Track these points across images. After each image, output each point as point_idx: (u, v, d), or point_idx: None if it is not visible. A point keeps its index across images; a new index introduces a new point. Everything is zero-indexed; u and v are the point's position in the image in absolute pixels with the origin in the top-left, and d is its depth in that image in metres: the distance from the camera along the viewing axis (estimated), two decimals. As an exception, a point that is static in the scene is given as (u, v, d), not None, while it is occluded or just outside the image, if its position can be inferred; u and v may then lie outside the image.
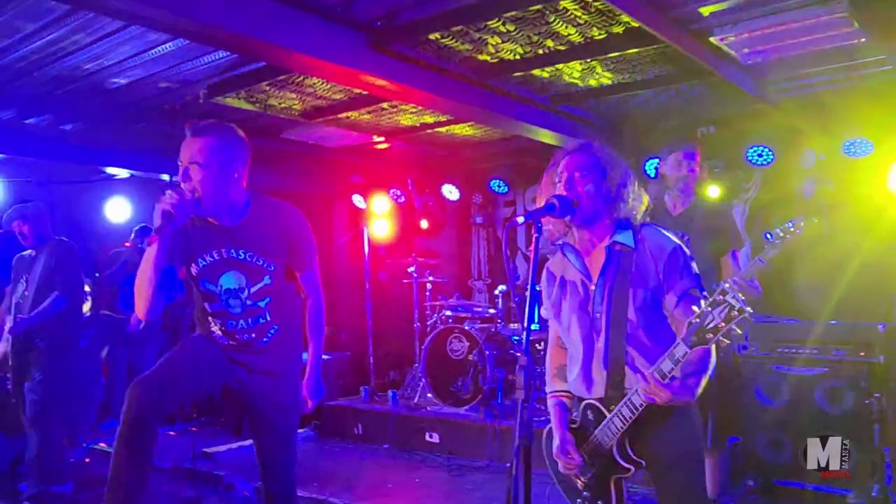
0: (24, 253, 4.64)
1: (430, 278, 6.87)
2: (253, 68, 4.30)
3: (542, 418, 2.69)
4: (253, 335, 2.78)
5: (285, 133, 6.02)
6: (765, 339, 4.34)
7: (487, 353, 5.69)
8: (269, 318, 2.78)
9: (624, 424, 2.22)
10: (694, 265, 2.30)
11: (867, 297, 4.78)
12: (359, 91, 4.62)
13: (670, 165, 3.71)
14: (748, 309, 1.95)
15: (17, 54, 3.95)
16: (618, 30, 3.75)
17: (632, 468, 2.27)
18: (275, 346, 2.82)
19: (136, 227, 6.51)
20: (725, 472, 3.73)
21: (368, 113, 5.28)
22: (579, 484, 2.41)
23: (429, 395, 6.08)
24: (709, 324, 1.99)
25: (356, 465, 5.41)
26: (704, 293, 2.18)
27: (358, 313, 7.30)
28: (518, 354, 2.04)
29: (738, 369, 4.25)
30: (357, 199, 7.58)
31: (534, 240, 2.15)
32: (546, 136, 5.34)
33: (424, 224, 7.60)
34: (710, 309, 1.99)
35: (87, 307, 5.69)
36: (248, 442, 4.85)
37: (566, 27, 3.70)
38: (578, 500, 2.43)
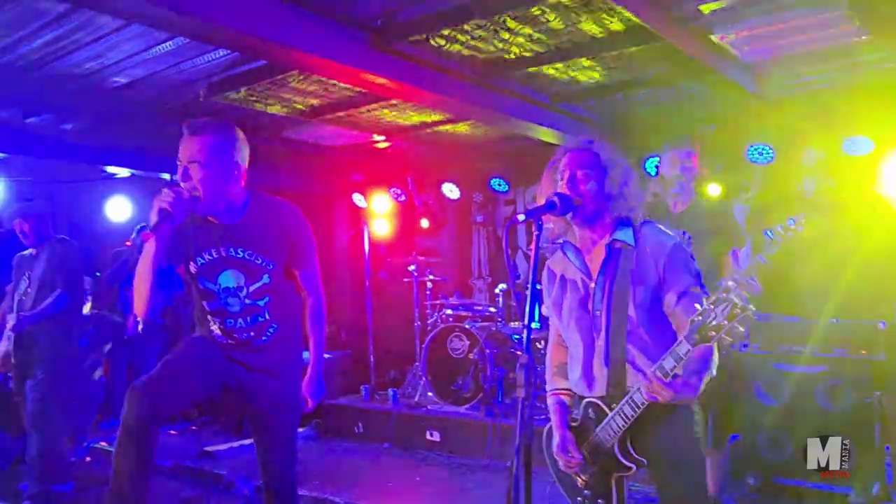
0: (25, 252, 4.64)
1: (431, 277, 6.87)
2: (253, 67, 4.30)
3: (543, 417, 2.69)
4: (252, 334, 2.77)
5: (285, 132, 6.03)
6: (765, 338, 4.34)
7: (488, 351, 5.69)
8: (268, 317, 2.78)
9: (625, 423, 2.22)
10: (693, 262, 2.30)
11: (868, 295, 4.77)
12: (359, 90, 4.62)
13: (665, 164, 3.71)
14: (751, 307, 1.95)
15: (18, 53, 3.95)
16: (618, 28, 3.75)
17: (633, 466, 2.27)
18: (274, 344, 2.81)
19: (138, 227, 6.48)
20: (726, 470, 3.72)
21: (369, 111, 5.28)
22: (580, 482, 2.41)
23: (429, 393, 6.08)
24: (711, 322, 1.98)
25: (357, 464, 5.41)
26: (705, 290, 2.18)
27: (358, 312, 7.30)
28: (518, 353, 2.04)
29: (738, 368, 4.24)
30: (357, 198, 7.58)
31: (534, 237, 2.15)
32: (546, 135, 5.34)
33: (425, 223, 7.61)
34: (712, 307, 1.98)
35: (87, 307, 5.70)
36: (249, 441, 4.83)
37: (566, 25, 3.69)
38: (579, 499, 2.43)
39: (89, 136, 5.64)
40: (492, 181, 6.83)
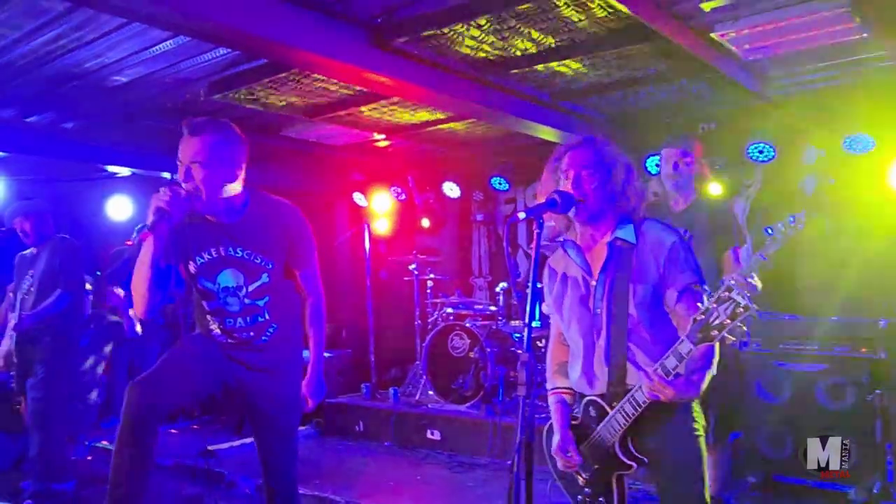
0: (26, 251, 4.64)
1: (431, 276, 6.87)
2: (254, 66, 4.29)
3: (544, 415, 2.69)
4: (251, 333, 2.77)
5: (286, 131, 6.02)
6: (766, 336, 4.34)
7: (488, 350, 5.69)
8: (267, 317, 2.78)
9: (626, 421, 2.22)
10: (694, 259, 2.29)
11: (868, 293, 4.77)
12: (359, 88, 4.61)
13: (661, 162, 3.70)
14: (753, 306, 1.94)
15: (18, 52, 3.95)
16: (618, 25, 3.74)
17: (634, 465, 2.27)
18: (274, 344, 2.81)
19: (138, 226, 6.47)
20: (727, 468, 3.72)
21: (369, 110, 5.28)
22: (580, 480, 2.41)
23: (430, 392, 6.09)
24: (714, 320, 1.98)
25: (358, 463, 5.41)
26: (706, 287, 2.18)
27: (359, 311, 7.30)
28: (519, 351, 2.04)
29: (739, 366, 4.24)
30: (358, 197, 7.57)
31: (535, 235, 2.14)
32: (547, 133, 5.34)
33: (425, 222, 7.60)
34: (715, 305, 1.98)
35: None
36: (250, 440, 4.85)
37: (567, 23, 3.69)
38: (580, 497, 2.43)
39: (90, 135, 5.63)
40: (492, 180, 6.82)
